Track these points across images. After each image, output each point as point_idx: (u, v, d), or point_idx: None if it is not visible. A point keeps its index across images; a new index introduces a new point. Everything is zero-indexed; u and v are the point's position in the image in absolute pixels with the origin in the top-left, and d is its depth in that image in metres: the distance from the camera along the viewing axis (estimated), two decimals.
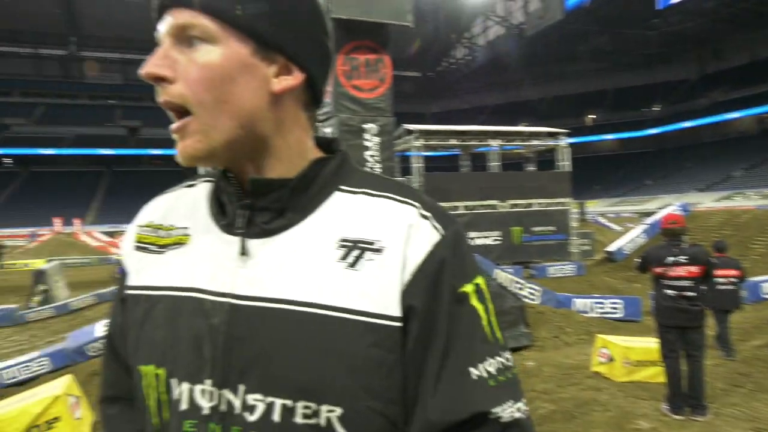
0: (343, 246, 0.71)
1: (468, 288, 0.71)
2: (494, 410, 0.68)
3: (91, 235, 32.33)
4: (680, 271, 4.97)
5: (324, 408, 0.67)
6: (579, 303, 9.44)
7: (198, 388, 0.70)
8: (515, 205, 17.13)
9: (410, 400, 0.70)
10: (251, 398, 0.68)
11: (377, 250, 0.71)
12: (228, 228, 0.75)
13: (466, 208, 16.60)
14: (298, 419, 0.67)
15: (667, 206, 25.22)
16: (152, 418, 0.74)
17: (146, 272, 0.79)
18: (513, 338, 7.32)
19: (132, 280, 0.81)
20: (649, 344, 5.97)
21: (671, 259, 5.00)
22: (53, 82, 58.70)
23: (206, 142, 0.70)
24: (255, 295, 0.70)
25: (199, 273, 0.74)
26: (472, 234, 16.23)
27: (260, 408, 0.67)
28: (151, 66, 0.69)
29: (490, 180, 17.80)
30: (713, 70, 54.44)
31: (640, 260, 5.57)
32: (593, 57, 57.79)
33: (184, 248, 0.78)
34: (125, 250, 0.85)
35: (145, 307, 0.77)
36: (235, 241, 0.73)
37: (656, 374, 5.75)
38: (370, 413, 0.68)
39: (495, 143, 18.64)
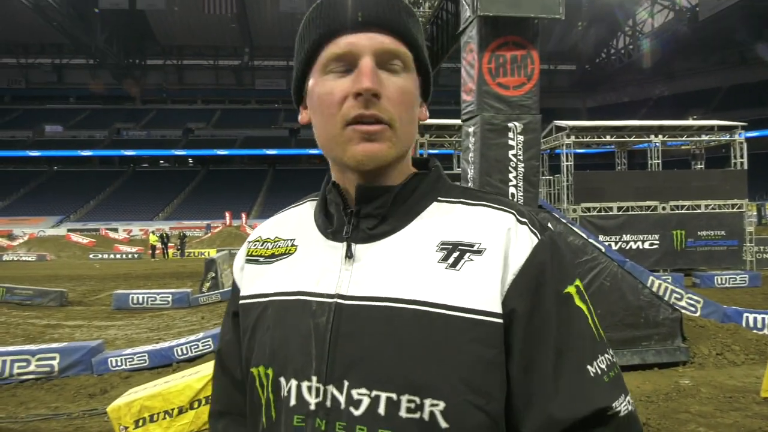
0: (444, 248, 0.77)
1: (571, 289, 0.77)
2: (614, 405, 0.72)
3: (255, 227, 35.60)
4: None
5: (427, 402, 0.70)
6: (751, 318, 8.37)
7: (305, 384, 0.75)
8: (677, 207, 15.59)
9: (519, 398, 0.73)
10: (356, 393, 0.72)
11: (478, 252, 0.76)
12: (334, 235, 0.82)
13: (620, 209, 15.48)
14: (403, 413, 0.70)
15: None
16: (263, 417, 0.80)
17: (257, 282, 0.87)
18: (667, 352, 6.73)
19: (244, 291, 0.89)
20: None
21: None
22: (228, 89, 65.45)
23: (395, 150, 0.79)
24: (360, 294, 0.76)
25: (306, 277, 0.81)
26: (625, 237, 15.14)
27: (365, 402, 0.71)
28: (371, 82, 0.75)
29: (648, 179, 16.38)
30: None
31: None
32: None
33: (291, 257, 0.85)
34: (237, 267, 0.94)
35: (256, 314, 0.84)
36: (340, 246, 0.81)
37: None
38: (472, 408, 0.71)
39: (656, 139, 17.14)
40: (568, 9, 6.80)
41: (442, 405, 0.70)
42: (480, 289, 0.74)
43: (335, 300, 0.77)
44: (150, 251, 29.57)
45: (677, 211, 15.55)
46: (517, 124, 6.76)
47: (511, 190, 6.75)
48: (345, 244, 0.80)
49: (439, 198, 0.83)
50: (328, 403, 0.74)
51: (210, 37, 59.91)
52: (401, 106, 0.78)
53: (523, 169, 6.76)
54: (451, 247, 0.77)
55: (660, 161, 17.48)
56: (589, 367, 0.73)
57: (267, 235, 0.92)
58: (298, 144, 57.05)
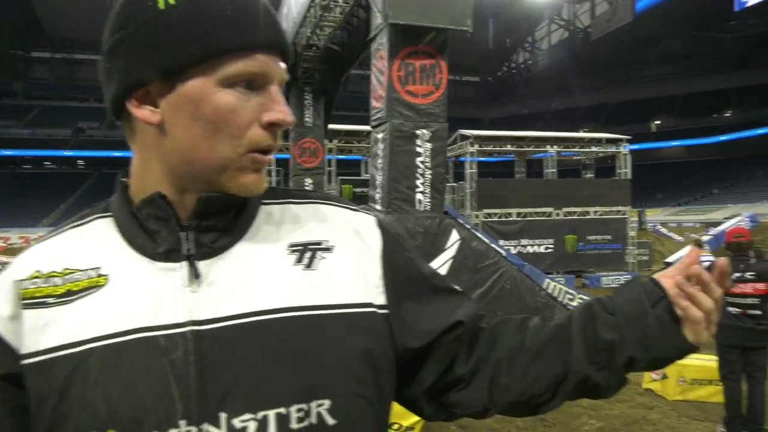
0: (295, 251, 0.76)
1: (413, 254, 0.87)
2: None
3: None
4: (746, 287, 4.75)
5: (314, 405, 0.68)
6: None
7: None
8: (570, 213, 16.71)
9: (423, 329, 0.81)
10: (238, 421, 0.65)
11: (327, 249, 0.77)
12: (167, 255, 0.71)
13: (519, 215, 16.32)
14: (294, 424, 0.66)
15: (734, 216, 23.94)
16: None
17: (52, 330, 0.68)
18: None
19: (30, 346, 0.68)
20: (707, 362, 5.71)
21: (737, 274, 4.78)
22: None
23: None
24: (220, 316, 0.68)
25: (137, 311, 0.68)
26: (524, 242, 15.98)
27: (252, 427, 0.65)
28: (290, 115, 0.74)
29: (545, 187, 17.45)
30: None
31: None
32: (663, 61, 55.51)
33: (102, 290, 0.70)
34: (2, 316, 0.71)
35: (67, 370, 0.66)
36: (178, 266, 0.70)
37: (713, 394, 5.51)
38: (353, 397, 0.71)
39: (552, 149, 18.27)
40: (474, 22, 7.08)
41: (327, 403, 0.69)
42: (341, 284, 0.75)
43: (189, 328, 0.67)
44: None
45: (569, 217, 16.65)
46: (425, 131, 6.93)
47: (419, 196, 6.91)
48: (186, 263, 0.70)
49: (263, 201, 0.80)
50: None
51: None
52: None
53: (430, 176, 6.94)
54: (301, 248, 0.76)
55: (555, 170, 18.66)
56: (453, 295, 0.87)
57: (49, 267, 0.73)
58: None
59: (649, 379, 6.00)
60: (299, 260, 0.75)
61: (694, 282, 0.73)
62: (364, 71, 23.43)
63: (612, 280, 15.24)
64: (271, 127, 0.72)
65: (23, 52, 58.06)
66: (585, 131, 21.77)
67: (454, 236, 6.97)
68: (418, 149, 6.94)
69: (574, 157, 20.73)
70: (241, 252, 0.74)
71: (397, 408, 3.26)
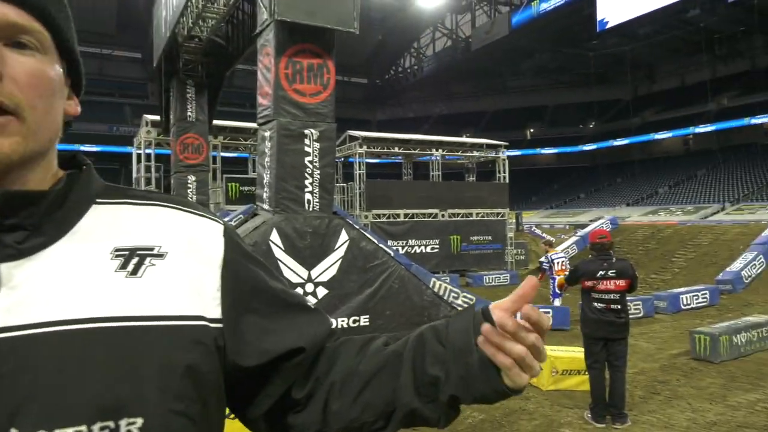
0: (120, 255, 0.69)
1: (260, 262, 0.83)
2: (332, 321, 0.88)
3: None
4: (608, 284, 5.19)
5: (123, 423, 0.62)
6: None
7: None
8: (454, 215, 17.41)
9: (262, 348, 0.76)
10: None
11: (159, 256, 0.71)
12: None
13: (406, 216, 16.73)
14: None
15: (598, 219, 26.30)
16: None
17: None
18: None
19: None
20: (575, 353, 6.17)
21: (600, 273, 5.21)
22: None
23: (25, 146, 0.65)
24: (19, 324, 0.62)
25: None
26: (411, 242, 16.39)
27: None
28: None
29: (430, 189, 18.03)
30: (645, 92, 57.36)
31: (569, 273, 5.79)
32: (536, 73, 59.72)
33: None
34: None
35: None
36: None
37: (581, 383, 5.95)
38: (172, 415, 0.66)
39: (437, 153, 18.92)
40: (362, 25, 7.11)
41: (140, 421, 0.63)
42: (169, 294, 0.69)
43: None
44: None
45: (454, 219, 17.34)
46: (313, 131, 6.84)
47: (307, 196, 6.80)
48: None
49: (98, 200, 0.73)
50: None
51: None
52: (33, 90, 0.65)
53: (319, 176, 6.86)
54: (128, 253, 0.69)
55: (440, 173, 19.35)
56: (309, 304, 0.85)
57: None
58: (70, 139, 50.61)
59: None
60: (123, 266, 0.68)
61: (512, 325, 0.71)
62: (250, 66, 22.72)
63: (493, 278, 16.08)
64: None
65: None
66: (467, 136, 22.83)
67: (344, 236, 6.95)
68: (307, 149, 6.84)
69: (458, 161, 21.63)
70: (57, 254, 0.66)
71: None
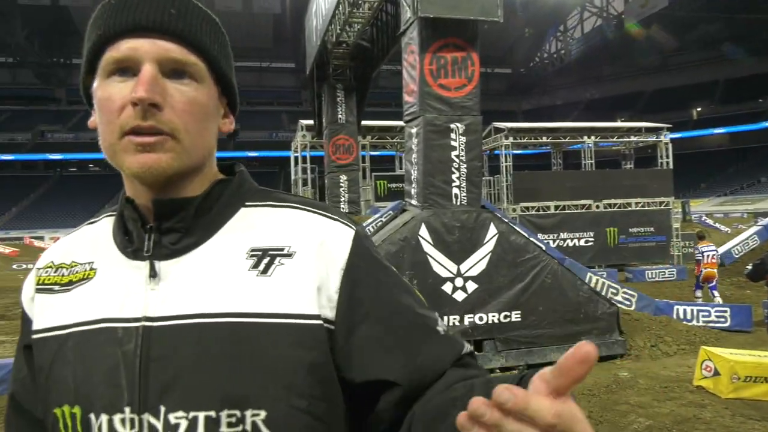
0: (254, 255, 0.75)
1: (391, 272, 0.81)
2: (464, 352, 0.79)
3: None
4: None
5: (248, 413, 0.68)
6: (681, 310, 8.81)
7: (117, 417, 0.69)
8: (610, 205, 16.27)
9: (381, 365, 0.74)
10: (173, 417, 0.68)
11: (288, 255, 0.75)
12: (135, 253, 0.76)
13: (557, 208, 16.00)
14: (224, 428, 0.67)
15: None
16: None
17: (51, 313, 0.78)
18: (605, 346, 6.96)
19: (37, 324, 0.79)
20: (762, 359, 5.46)
21: None
22: None
23: (179, 162, 0.74)
24: (169, 314, 0.71)
25: (109, 303, 0.74)
26: (563, 235, 15.66)
27: (183, 425, 0.67)
28: (149, 91, 0.71)
29: (582, 179, 17.05)
30: None
31: (752, 267, 5.12)
32: (702, 46, 53.70)
33: (90, 282, 0.78)
34: (26, 297, 0.83)
35: (54, 349, 0.75)
36: (143, 265, 0.74)
37: None
38: (295, 412, 0.70)
39: (589, 140, 17.84)
40: (505, 12, 6.93)
41: (263, 414, 0.69)
42: (294, 293, 0.73)
43: (142, 323, 0.71)
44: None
45: (610, 210, 16.22)
46: (459, 125, 6.82)
47: (455, 190, 6.80)
48: (148, 262, 0.74)
49: (246, 203, 0.81)
50: (147, 430, 0.68)
51: None
52: (188, 116, 0.74)
53: (465, 170, 6.82)
54: (261, 253, 0.75)
55: (593, 161, 18.21)
56: (435, 333, 0.79)
57: (61, 259, 0.83)
58: (236, 147, 56.01)
59: (700, 376, 5.77)
60: (255, 265, 0.74)
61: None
62: (394, 66, 23.31)
63: (657, 273, 14.79)
64: (136, 107, 0.71)
65: (64, 59, 59.94)
66: (622, 120, 21.19)
67: (492, 230, 6.84)
68: (453, 143, 6.84)
69: (613, 148, 20.20)
70: (203, 253, 0.75)
71: None
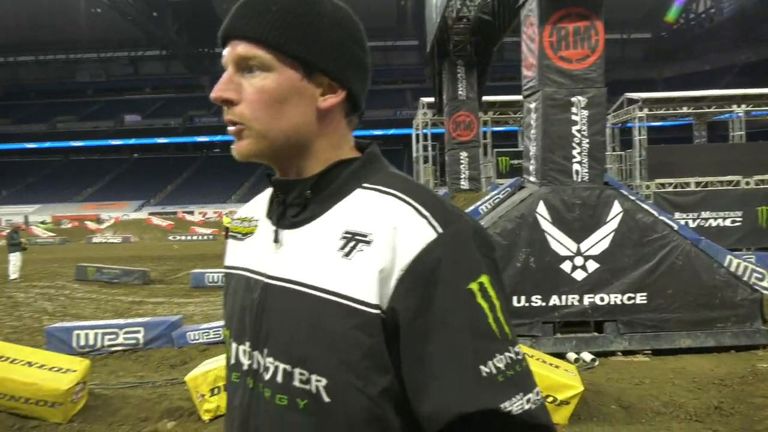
0: (345, 237, 0.81)
1: (473, 286, 0.75)
2: (503, 405, 0.72)
3: None
4: None
5: (314, 377, 0.78)
6: None
7: (241, 348, 0.88)
8: (763, 181, 14.60)
9: (411, 389, 0.76)
10: (268, 361, 0.82)
11: (367, 243, 0.79)
12: (272, 220, 0.91)
13: (698, 185, 14.68)
14: (296, 382, 0.79)
15: None
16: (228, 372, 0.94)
17: (232, 255, 0.99)
18: (745, 335, 6.41)
19: (226, 261, 1.00)
20: None
21: None
22: None
23: (258, 145, 0.86)
24: (280, 276, 0.85)
25: (252, 256, 0.92)
26: (704, 214, 14.36)
27: (271, 370, 0.82)
28: (217, 91, 0.84)
29: (730, 152, 15.45)
30: None
31: None
32: None
33: (252, 237, 0.95)
34: (227, 238, 1.05)
35: (228, 282, 0.97)
36: (273, 231, 0.89)
37: None
38: (352, 389, 0.77)
39: (739, 109, 16.07)
40: None
41: (324, 381, 0.77)
42: (362, 280, 0.77)
43: (264, 279, 0.87)
44: (224, 233, 30.88)
45: (763, 186, 14.55)
46: (580, 98, 6.56)
47: (575, 166, 6.58)
48: (275, 229, 0.89)
49: (364, 185, 0.85)
50: (255, 366, 0.85)
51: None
52: (256, 104, 0.83)
53: (587, 145, 6.57)
54: (350, 236, 0.81)
55: (743, 133, 16.42)
56: (482, 367, 0.73)
57: (245, 214, 1.01)
58: (364, 126, 57.41)
59: None
60: (342, 247, 0.80)
61: None
62: (518, 38, 22.48)
63: None
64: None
65: (209, 49, 65.23)
66: None
67: (617, 208, 6.53)
68: (574, 117, 6.59)
69: None
70: (313, 228, 0.85)
71: (550, 381, 3.31)
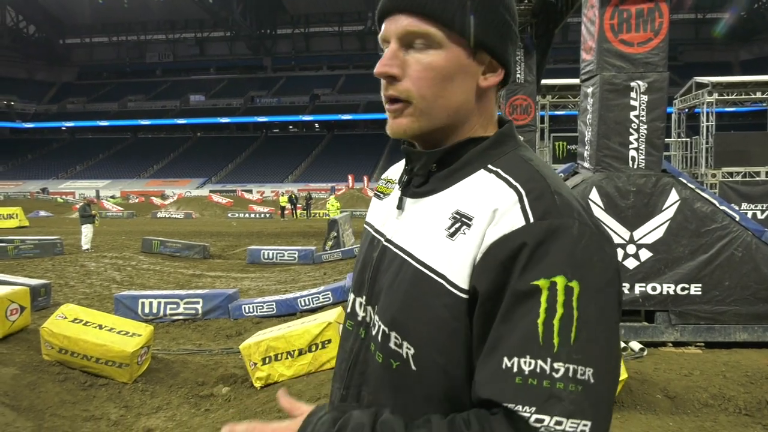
0: (453, 217, 0.82)
1: (541, 283, 0.71)
2: (507, 404, 0.69)
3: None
4: None
5: (405, 344, 0.82)
6: None
7: (358, 300, 0.95)
8: None
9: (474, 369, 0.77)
10: (376, 318, 0.88)
11: (469, 225, 0.79)
12: (400, 186, 0.97)
13: None
14: (391, 344, 0.84)
15: None
16: None
17: (371, 212, 1.06)
18: None
19: (367, 217, 1.07)
20: None
21: None
22: (353, 55, 66.60)
23: (419, 123, 0.85)
24: (395, 241, 0.90)
25: (382, 216, 0.98)
26: None
27: (376, 327, 0.88)
28: (382, 66, 0.84)
29: None
30: None
31: None
32: None
33: (388, 198, 1.01)
34: (370, 195, 1.20)
35: (363, 236, 1.05)
36: (398, 197, 0.95)
37: None
38: (434, 365, 0.79)
39: None
40: None
41: (413, 351, 0.81)
42: (458, 262, 0.78)
43: (383, 241, 0.93)
44: (280, 211, 31.71)
45: None
46: (640, 83, 6.37)
47: (632, 153, 6.43)
48: (399, 196, 0.94)
49: (489, 166, 0.85)
50: (368, 319, 0.92)
51: (335, 3, 61.29)
52: (423, 81, 0.82)
53: (645, 131, 6.39)
54: (458, 217, 0.81)
55: None
56: (506, 359, 0.70)
57: (390, 176, 1.08)
58: None
59: None
60: (449, 228, 0.81)
61: None
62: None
63: None
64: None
65: (270, 30, 66.24)
66: None
67: (674, 196, 6.35)
68: (633, 102, 6.42)
69: None
70: (432, 202, 0.87)
71: None
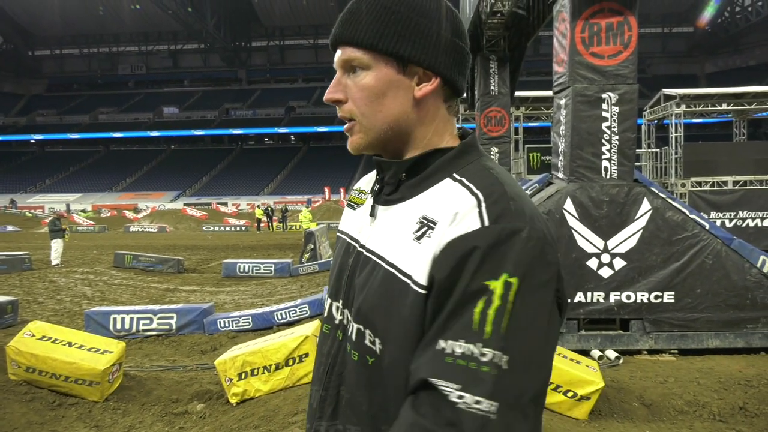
0: (420, 222, 0.88)
1: (490, 283, 0.75)
2: (433, 380, 0.74)
3: None
4: None
5: (377, 340, 0.88)
6: None
7: (335, 304, 1.02)
8: None
9: None
10: (351, 318, 0.95)
11: (433, 228, 0.85)
12: (372, 195, 1.03)
13: (736, 183, 14.30)
14: (366, 342, 0.90)
15: None
16: None
17: (344, 221, 1.12)
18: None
19: (340, 225, 1.13)
20: None
21: None
22: (328, 67, 66.32)
23: (367, 137, 0.95)
24: (369, 246, 0.96)
25: (356, 225, 1.04)
26: (742, 214, 14.00)
27: (351, 327, 0.94)
28: (328, 93, 0.96)
29: None
30: None
31: None
32: None
33: (360, 207, 1.08)
34: (344, 205, 1.19)
35: (337, 244, 1.11)
36: (371, 205, 1.01)
37: None
38: (400, 359, 0.84)
39: None
40: None
41: (383, 347, 0.87)
42: (421, 262, 0.83)
43: (358, 247, 0.99)
44: (256, 224, 31.44)
45: None
46: (611, 95, 6.50)
47: (605, 163, 6.54)
48: (372, 204, 1.01)
49: (453, 174, 0.90)
50: (345, 321, 0.98)
51: (310, 16, 61.44)
52: (360, 100, 0.93)
53: (617, 142, 6.51)
54: (424, 221, 0.87)
55: None
56: (441, 341, 0.76)
57: (362, 186, 1.14)
58: None
59: None
60: (416, 231, 0.87)
61: None
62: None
63: None
64: None
65: (245, 43, 66.05)
66: None
67: (645, 206, 6.47)
68: (605, 114, 6.54)
69: None
70: (401, 209, 0.93)
71: (570, 376, 3.42)
